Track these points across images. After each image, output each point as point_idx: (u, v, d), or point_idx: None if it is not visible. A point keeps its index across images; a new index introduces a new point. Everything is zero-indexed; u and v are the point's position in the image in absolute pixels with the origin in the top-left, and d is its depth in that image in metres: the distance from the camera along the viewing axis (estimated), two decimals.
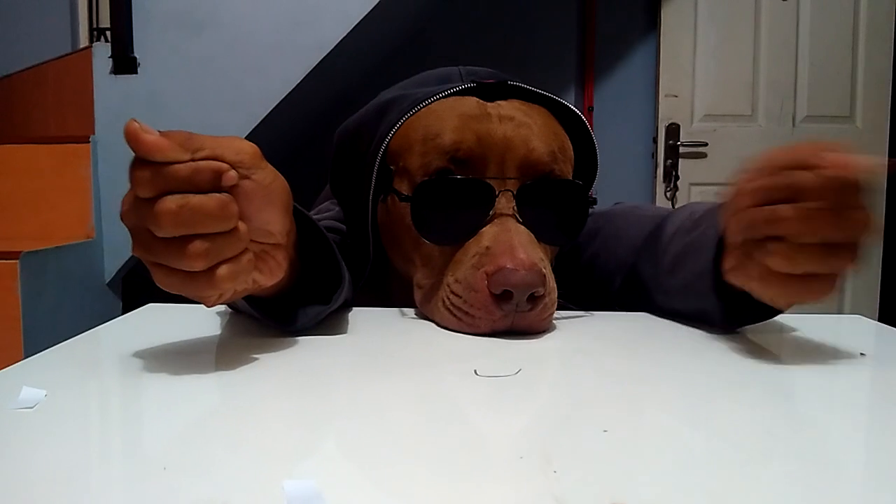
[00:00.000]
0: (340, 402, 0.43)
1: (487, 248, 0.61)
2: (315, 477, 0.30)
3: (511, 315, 0.59)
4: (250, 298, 0.55)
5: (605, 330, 0.64)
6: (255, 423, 0.39)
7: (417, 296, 0.68)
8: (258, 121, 2.06)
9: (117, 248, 2.02)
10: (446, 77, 0.77)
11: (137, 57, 2.05)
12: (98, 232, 1.99)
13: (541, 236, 0.65)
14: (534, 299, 0.59)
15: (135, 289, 2.14)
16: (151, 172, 0.43)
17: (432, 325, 0.64)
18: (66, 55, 2.28)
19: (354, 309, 0.69)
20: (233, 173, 0.45)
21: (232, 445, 0.35)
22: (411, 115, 0.70)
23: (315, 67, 2.05)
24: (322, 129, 2.65)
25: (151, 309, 0.69)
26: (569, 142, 0.73)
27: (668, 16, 2.83)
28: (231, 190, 0.46)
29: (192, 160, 0.44)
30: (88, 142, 1.98)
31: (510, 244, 0.60)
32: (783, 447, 0.36)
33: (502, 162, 0.66)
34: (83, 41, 2.69)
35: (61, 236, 1.92)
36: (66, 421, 0.38)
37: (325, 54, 2.04)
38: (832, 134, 2.76)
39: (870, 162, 0.47)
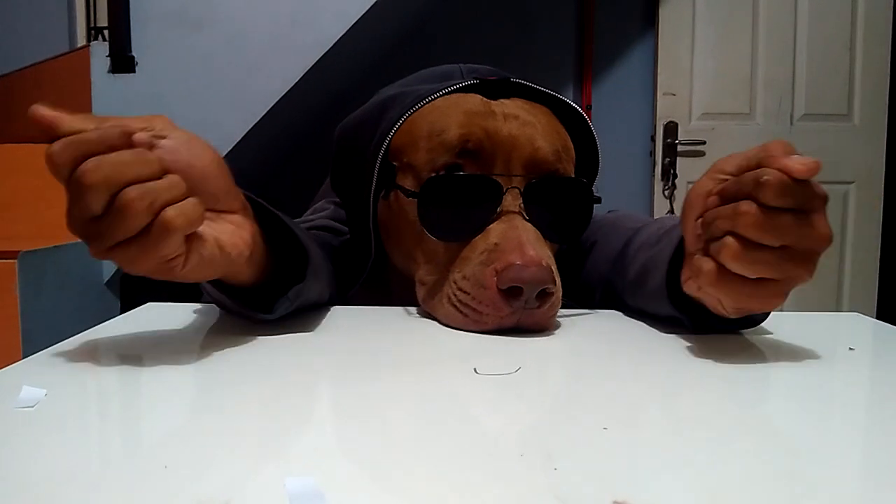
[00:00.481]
0: (341, 401, 0.43)
1: (496, 244, 0.61)
2: (316, 474, 0.30)
3: (518, 312, 0.59)
4: (229, 290, 0.55)
5: (605, 328, 0.64)
6: (256, 421, 0.39)
7: (420, 293, 0.68)
8: (257, 119, 2.06)
9: None
10: (448, 74, 0.77)
11: (135, 56, 2.04)
12: None
13: (546, 234, 0.65)
14: (543, 296, 0.59)
15: (132, 288, 2.14)
16: (62, 145, 0.43)
17: (432, 323, 0.64)
18: (64, 54, 2.27)
19: (353, 307, 0.69)
20: (142, 134, 0.45)
21: (233, 443, 0.35)
22: (413, 112, 0.70)
23: (314, 66, 2.05)
24: (321, 127, 2.65)
25: (149, 308, 0.69)
26: (570, 141, 0.73)
27: (665, 14, 2.83)
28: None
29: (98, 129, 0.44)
30: None
31: (519, 241, 0.60)
32: (783, 445, 0.36)
33: (508, 160, 0.66)
34: (81, 40, 2.69)
35: (59, 236, 1.92)
36: (66, 420, 0.38)
37: (323, 52, 2.04)
38: (830, 132, 2.76)
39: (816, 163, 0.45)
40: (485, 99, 0.70)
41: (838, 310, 2.75)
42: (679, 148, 2.86)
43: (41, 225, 1.95)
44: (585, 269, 0.80)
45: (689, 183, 2.84)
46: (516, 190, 0.64)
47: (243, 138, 2.05)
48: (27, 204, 1.97)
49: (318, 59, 2.04)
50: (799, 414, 0.41)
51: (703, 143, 2.83)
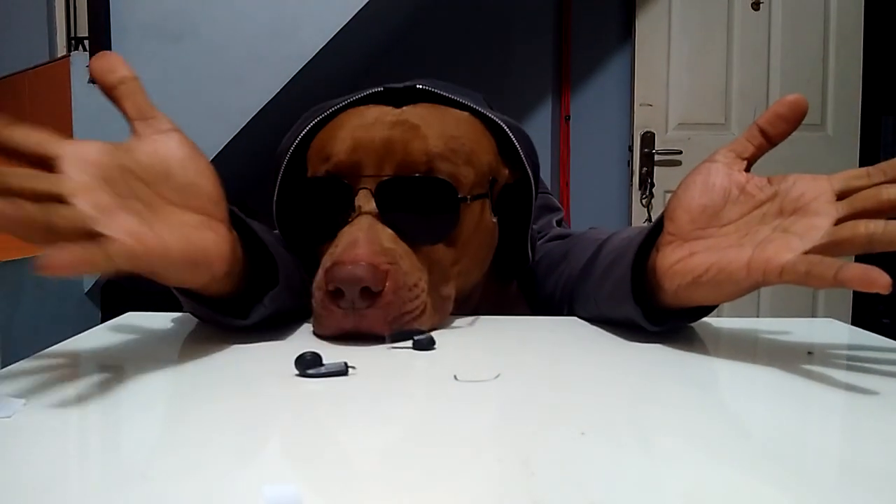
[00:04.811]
0: (320, 408, 0.43)
1: (337, 246, 0.60)
2: (294, 482, 0.30)
3: (351, 315, 0.57)
4: (207, 301, 0.55)
5: (583, 335, 0.65)
6: (234, 429, 0.39)
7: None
8: (237, 131, 2.05)
9: None
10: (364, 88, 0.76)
11: None
12: None
13: (408, 234, 0.62)
14: (372, 297, 0.57)
15: (113, 298, 2.12)
16: None
17: None
18: (44, 64, 2.26)
19: None
20: (49, 143, 0.47)
21: (211, 452, 0.35)
22: (315, 124, 0.70)
23: (294, 78, 2.05)
24: None
25: (130, 318, 0.69)
26: (485, 145, 0.71)
27: (642, 26, 2.86)
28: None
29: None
30: None
31: (353, 239, 0.58)
32: (759, 448, 0.36)
33: (381, 165, 0.64)
34: (61, 50, 2.67)
35: (40, 246, 1.90)
36: (44, 430, 0.38)
37: (303, 64, 2.04)
38: (804, 142, 2.80)
39: None
40: (389, 108, 0.68)
41: (813, 316, 2.78)
42: (656, 157, 2.88)
43: None
44: (559, 285, 0.79)
45: (665, 192, 2.86)
46: (366, 190, 0.62)
47: (223, 150, 2.04)
48: None
49: (297, 71, 2.04)
50: (774, 417, 0.42)
51: (680, 152, 2.86)
